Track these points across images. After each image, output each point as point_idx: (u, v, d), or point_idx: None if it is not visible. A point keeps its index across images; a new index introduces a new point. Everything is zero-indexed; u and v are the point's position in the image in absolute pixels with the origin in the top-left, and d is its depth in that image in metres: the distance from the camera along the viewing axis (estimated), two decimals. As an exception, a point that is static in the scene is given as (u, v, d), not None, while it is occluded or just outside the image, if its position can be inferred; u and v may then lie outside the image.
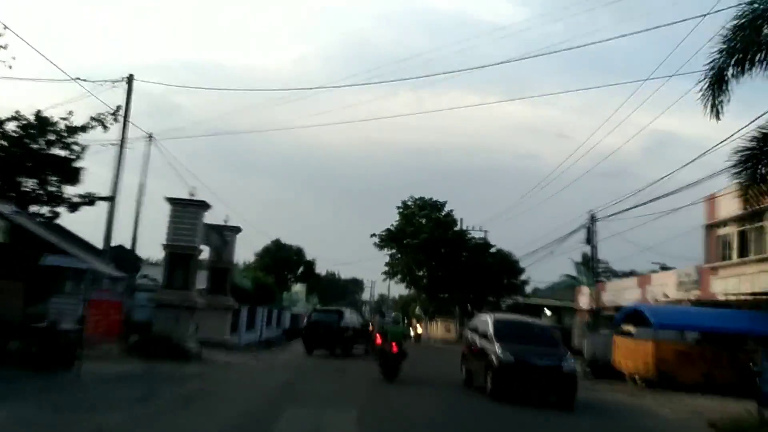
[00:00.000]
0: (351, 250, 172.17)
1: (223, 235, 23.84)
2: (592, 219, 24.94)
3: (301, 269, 50.84)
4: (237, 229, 25.25)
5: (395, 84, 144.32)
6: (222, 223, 23.97)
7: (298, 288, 47.83)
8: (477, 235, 46.00)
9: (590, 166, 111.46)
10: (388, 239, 45.09)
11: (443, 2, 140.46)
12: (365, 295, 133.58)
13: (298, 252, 61.27)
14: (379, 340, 16.93)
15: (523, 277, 46.78)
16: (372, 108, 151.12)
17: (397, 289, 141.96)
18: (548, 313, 57.60)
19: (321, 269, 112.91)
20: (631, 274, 79.19)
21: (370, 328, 28.09)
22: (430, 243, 42.20)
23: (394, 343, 15.54)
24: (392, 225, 45.62)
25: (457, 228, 45.01)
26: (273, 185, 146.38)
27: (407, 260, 44.33)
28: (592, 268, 25.64)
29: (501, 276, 45.72)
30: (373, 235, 46.36)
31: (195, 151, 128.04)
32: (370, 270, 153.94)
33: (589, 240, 24.74)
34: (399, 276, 46.00)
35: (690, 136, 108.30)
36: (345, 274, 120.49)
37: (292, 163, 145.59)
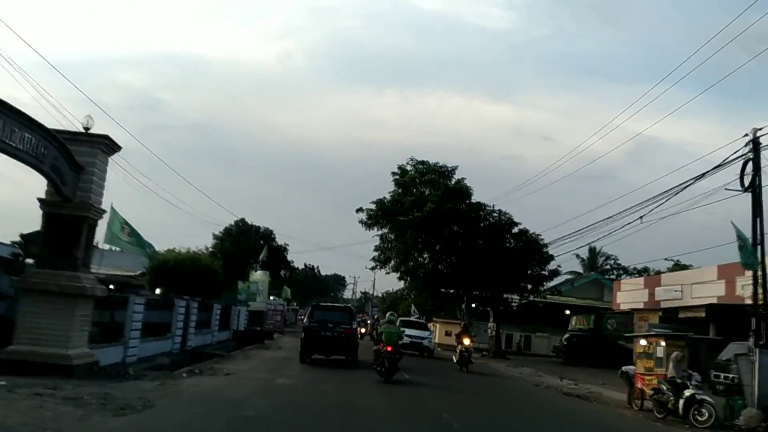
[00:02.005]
0: (336, 248, 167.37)
1: (71, 154, 12.30)
2: (755, 144, 13.87)
3: (265, 252, 39.36)
4: (104, 142, 12.89)
5: (381, 83, 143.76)
6: (77, 130, 12.62)
7: (259, 276, 36.61)
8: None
9: (574, 169, 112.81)
10: (379, 214, 34.08)
11: (430, 3, 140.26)
12: (347, 293, 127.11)
13: (266, 235, 50.13)
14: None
15: (551, 265, 36.10)
16: (357, 106, 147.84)
17: (385, 284, 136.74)
18: (568, 314, 47.47)
19: (299, 262, 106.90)
20: (643, 271, 69.70)
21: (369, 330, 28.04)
22: (437, 218, 31.29)
23: (385, 344, 15.61)
24: (386, 196, 34.59)
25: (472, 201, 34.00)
26: (257, 181, 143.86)
27: (404, 242, 33.28)
28: (760, 238, 14.43)
29: (526, 264, 35.02)
30: (360, 210, 35.37)
31: (181, 148, 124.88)
32: (356, 268, 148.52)
33: (754, 182, 13.70)
34: (392, 263, 34.98)
35: (672, 140, 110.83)
36: (326, 269, 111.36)
37: (277, 160, 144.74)
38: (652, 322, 29.48)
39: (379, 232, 36.05)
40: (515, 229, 34.27)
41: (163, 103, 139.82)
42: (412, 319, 38.05)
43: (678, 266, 70.34)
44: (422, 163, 35.01)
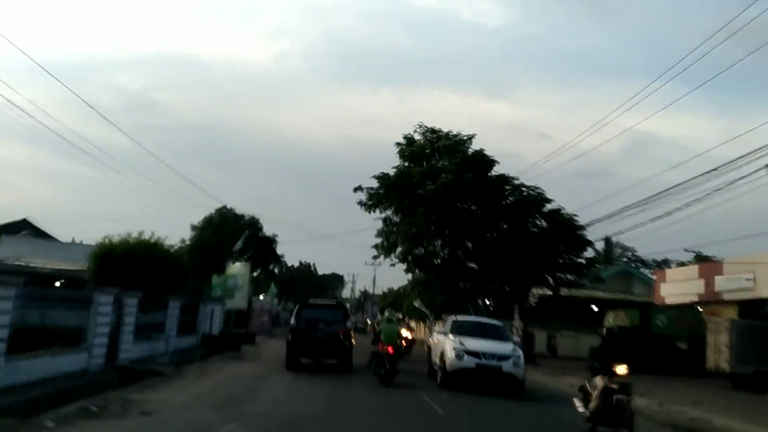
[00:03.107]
0: (333, 236, 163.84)
1: None
2: None
3: (241, 240, 33.19)
4: None
5: (377, 81, 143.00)
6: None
7: (238, 269, 30.70)
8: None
9: (571, 166, 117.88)
10: (381, 192, 28.23)
11: (424, 0, 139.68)
12: (346, 292, 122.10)
13: (252, 224, 44.24)
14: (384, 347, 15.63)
15: (588, 252, 30.24)
16: (353, 105, 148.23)
17: (386, 281, 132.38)
18: (596, 310, 41.80)
19: (294, 260, 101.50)
20: (663, 263, 64.02)
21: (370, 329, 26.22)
22: (456, 191, 25.39)
23: (385, 344, 14.81)
24: (389, 172, 28.70)
25: (496, 173, 27.99)
26: (253, 180, 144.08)
27: (414, 222, 27.30)
28: None
29: (557, 251, 29.18)
30: (358, 188, 29.45)
31: (177, 148, 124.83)
32: (354, 266, 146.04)
33: None
34: (400, 250, 29.06)
35: (669, 136, 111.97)
36: (325, 269, 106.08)
37: (273, 159, 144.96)
38: (730, 318, 23.73)
39: (382, 215, 30.18)
40: (546, 207, 28.36)
41: (159, 104, 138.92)
42: (473, 318, 22.18)
43: (701, 258, 64.79)
44: (433, 131, 29.04)
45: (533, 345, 32.94)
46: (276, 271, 46.86)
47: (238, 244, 31.93)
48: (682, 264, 61.59)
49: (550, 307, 37.97)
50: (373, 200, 29.30)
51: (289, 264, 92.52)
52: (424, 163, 28.13)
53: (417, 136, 29.05)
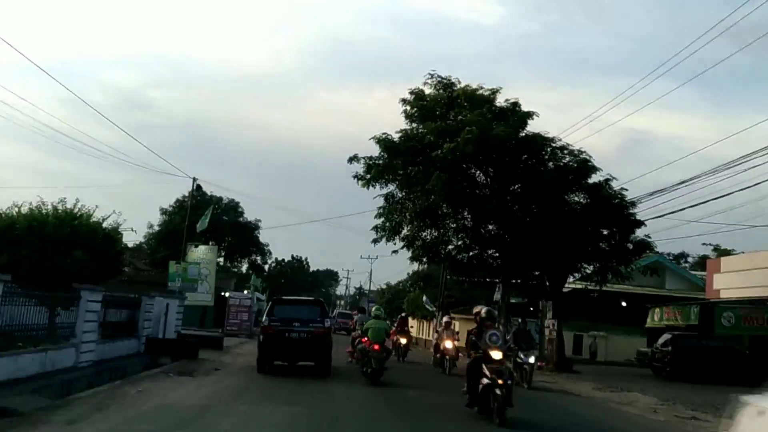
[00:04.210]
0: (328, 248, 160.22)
1: None
2: None
3: (205, 218, 26.91)
4: None
5: (371, 79, 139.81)
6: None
7: (202, 254, 24.87)
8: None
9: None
10: (381, 162, 22.60)
11: (419, 0, 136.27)
12: (340, 289, 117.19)
13: (232, 207, 38.42)
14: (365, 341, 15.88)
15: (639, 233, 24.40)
16: (348, 102, 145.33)
17: (384, 275, 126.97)
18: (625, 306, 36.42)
19: (286, 254, 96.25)
20: (680, 257, 58.46)
21: (352, 326, 22.94)
22: (482, 152, 19.62)
23: (372, 342, 14.60)
24: (391, 134, 22.97)
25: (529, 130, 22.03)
26: (247, 179, 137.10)
27: (427, 192, 21.27)
28: None
29: (598, 233, 23.58)
30: (354, 158, 23.71)
31: (170, 147, 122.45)
32: (348, 262, 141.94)
33: None
34: (405, 231, 23.41)
35: (664, 135, 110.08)
36: (319, 264, 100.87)
37: (267, 157, 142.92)
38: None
39: (383, 191, 24.44)
40: (592, 178, 22.61)
41: (152, 102, 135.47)
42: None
43: (720, 251, 59.13)
44: (447, 85, 23.11)
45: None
46: (259, 261, 41.05)
47: (202, 223, 25.82)
48: (704, 257, 56.30)
49: (574, 304, 32.31)
50: (373, 172, 23.54)
51: (280, 258, 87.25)
52: (439, 122, 22.30)
53: (428, 90, 23.27)
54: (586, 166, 21.90)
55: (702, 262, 52.47)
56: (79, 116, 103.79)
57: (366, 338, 15.17)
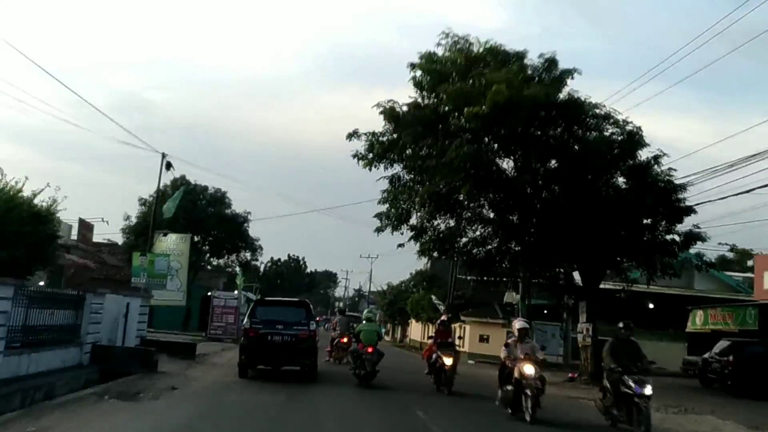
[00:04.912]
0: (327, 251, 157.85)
1: None
2: None
3: (174, 200, 22.89)
4: None
5: (370, 82, 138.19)
6: None
7: (172, 244, 21.24)
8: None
9: None
10: (386, 140, 19.08)
11: (418, 1, 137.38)
12: (338, 291, 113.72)
13: (218, 198, 34.79)
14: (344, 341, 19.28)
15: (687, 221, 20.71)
16: (347, 105, 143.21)
17: (386, 275, 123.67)
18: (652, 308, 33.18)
19: (282, 254, 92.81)
20: (697, 257, 54.76)
21: (333, 327, 23.88)
22: (512, 117, 15.90)
23: (365, 345, 14.57)
24: (396, 104, 19.33)
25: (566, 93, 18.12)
26: (247, 181, 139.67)
27: (445, 168, 17.25)
28: None
29: (640, 222, 19.96)
30: (353, 134, 20.09)
31: (170, 149, 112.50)
32: (348, 262, 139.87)
33: None
34: (416, 217, 19.88)
35: (660, 138, 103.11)
36: (317, 265, 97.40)
37: (266, 160, 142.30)
38: None
39: (388, 172, 20.83)
40: (640, 157, 18.91)
41: (152, 105, 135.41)
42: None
43: (738, 252, 55.30)
44: (465, 45, 19.39)
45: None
46: (248, 257, 37.32)
47: (169, 209, 21.81)
48: (724, 258, 52.68)
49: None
50: (376, 149, 19.93)
51: (276, 257, 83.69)
52: (458, 83, 18.55)
53: (441, 51, 19.59)
54: (633, 141, 18.22)
55: (722, 262, 48.98)
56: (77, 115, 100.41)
57: (361, 343, 14.99)
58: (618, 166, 18.75)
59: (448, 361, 14.05)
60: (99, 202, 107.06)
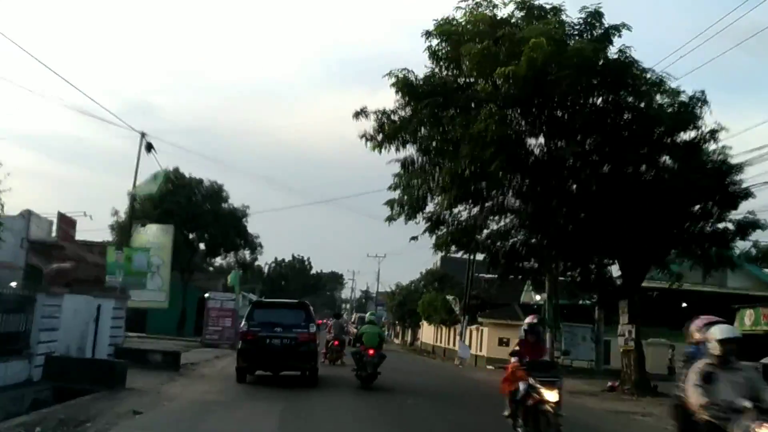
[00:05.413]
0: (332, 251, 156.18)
1: None
2: None
3: (154, 183, 20.29)
4: None
5: (375, 83, 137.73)
6: None
7: (154, 235, 18.79)
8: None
9: None
10: (402, 104, 16.52)
11: (422, 2, 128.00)
12: (345, 292, 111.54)
13: (215, 192, 32.37)
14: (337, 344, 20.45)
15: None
16: (352, 107, 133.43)
17: (393, 276, 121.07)
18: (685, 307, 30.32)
19: (286, 254, 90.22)
20: None
21: (328, 330, 23.13)
22: (548, 82, 13.28)
23: (366, 347, 14.54)
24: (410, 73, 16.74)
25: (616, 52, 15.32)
26: (251, 184, 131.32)
27: (477, 138, 14.33)
28: None
29: (687, 210, 17.37)
30: (361, 113, 17.54)
31: (175, 152, 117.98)
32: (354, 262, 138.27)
33: None
34: (432, 207, 17.41)
35: None
36: (324, 266, 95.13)
37: (271, 162, 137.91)
38: None
39: (400, 154, 18.31)
40: (690, 132, 16.25)
41: (157, 108, 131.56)
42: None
43: (761, 248, 52.31)
44: (487, 8, 16.78)
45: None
46: (247, 256, 34.74)
47: (141, 188, 19.13)
48: (747, 254, 49.75)
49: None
50: (387, 129, 17.41)
51: (279, 258, 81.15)
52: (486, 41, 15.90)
53: (460, 15, 16.96)
54: (688, 112, 15.55)
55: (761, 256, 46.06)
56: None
57: (363, 345, 14.94)
58: (666, 143, 16.12)
59: (550, 395, 8.08)
60: (100, 201, 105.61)
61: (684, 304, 29.99)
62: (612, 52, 14.50)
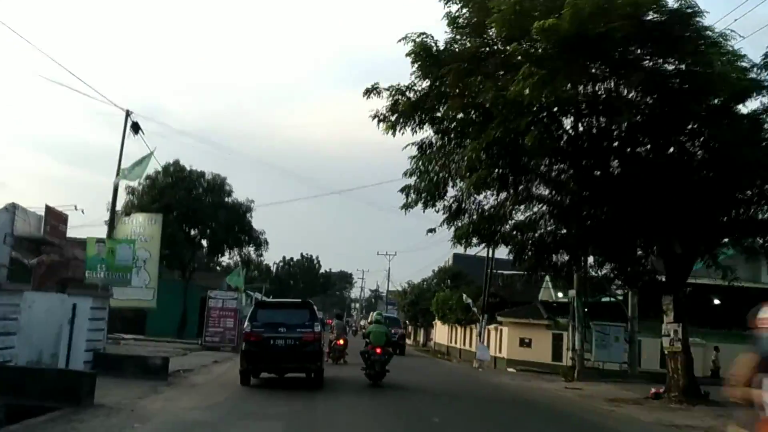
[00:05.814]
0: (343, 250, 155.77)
1: None
2: None
3: (138, 166, 18.25)
4: None
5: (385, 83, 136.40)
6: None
7: (140, 226, 17.00)
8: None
9: None
10: (420, 74, 14.55)
11: (431, 4, 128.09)
12: (354, 292, 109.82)
13: (217, 185, 30.54)
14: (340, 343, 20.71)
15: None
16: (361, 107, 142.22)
17: (404, 274, 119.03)
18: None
19: (295, 253, 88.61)
20: None
21: (331, 332, 23.54)
22: (595, 38, 11.22)
23: (374, 345, 14.95)
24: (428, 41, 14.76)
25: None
26: (259, 184, 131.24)
27: (513, 101, 12.06)
28: None
29: (732, 196, 15.27)
30: (372, 90, 15.66)
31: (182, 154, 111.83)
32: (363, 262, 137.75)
33: None
34: (455, 191, 15.51)
35: None
36: (333, 266, 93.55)
37: (280, 163, 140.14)
38: None
39: (416, 136, 16.40)
40: (750, 103, 14.20)
41: (164, 110, 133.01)
42: None
43: None
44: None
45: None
46: (251, 252, 32.86)
47: (130, 170, 17.20)
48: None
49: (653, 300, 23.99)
50: (402, 106, 15.49)
51: (288, 257, 79.41)
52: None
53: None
54: (747, 80, 13.45)
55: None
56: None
57: (370, 344, 15.26)
58: (723, 114, 14.06)
59: None
60: (97, 201, 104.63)
61: (717, 301, 27.91)
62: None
